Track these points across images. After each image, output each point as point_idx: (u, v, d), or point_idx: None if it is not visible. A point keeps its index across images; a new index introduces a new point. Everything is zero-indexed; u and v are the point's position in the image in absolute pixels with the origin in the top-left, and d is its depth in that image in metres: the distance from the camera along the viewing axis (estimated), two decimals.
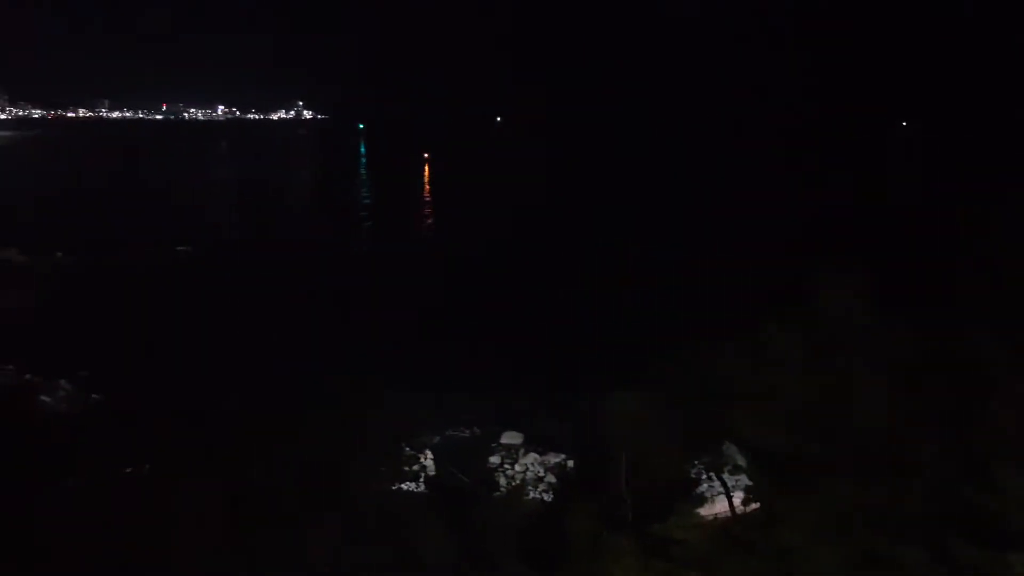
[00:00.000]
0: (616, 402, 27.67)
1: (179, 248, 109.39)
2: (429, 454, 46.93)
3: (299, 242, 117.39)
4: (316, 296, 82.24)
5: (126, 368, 58.58)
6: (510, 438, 49.99)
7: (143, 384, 53.65)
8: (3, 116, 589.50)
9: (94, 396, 49.67)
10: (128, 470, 27.94)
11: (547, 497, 40.88)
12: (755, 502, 28.17)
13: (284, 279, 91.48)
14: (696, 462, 31.50)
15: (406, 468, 40.25)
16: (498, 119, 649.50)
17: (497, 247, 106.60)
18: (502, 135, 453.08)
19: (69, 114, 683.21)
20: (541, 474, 45.39)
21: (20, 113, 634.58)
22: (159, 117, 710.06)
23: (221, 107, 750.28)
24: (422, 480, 41.52)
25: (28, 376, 54.06)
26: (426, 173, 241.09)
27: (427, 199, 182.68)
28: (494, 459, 48.08)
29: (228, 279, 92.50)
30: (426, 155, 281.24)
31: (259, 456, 29.51)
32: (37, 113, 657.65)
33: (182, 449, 28.43)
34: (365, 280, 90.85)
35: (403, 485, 39.02)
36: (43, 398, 43.86)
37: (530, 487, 43.12)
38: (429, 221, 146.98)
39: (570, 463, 43.51)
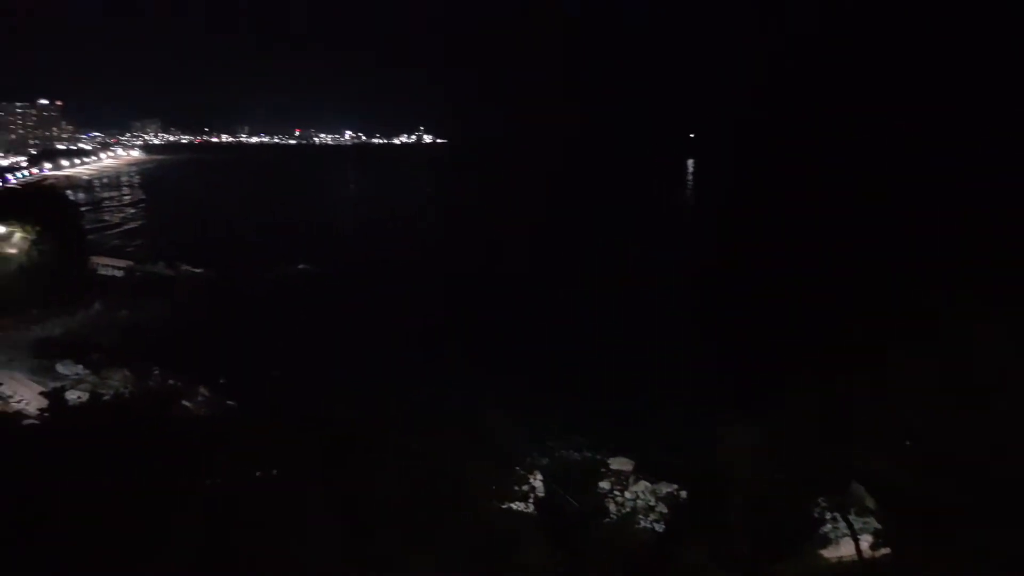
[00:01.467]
0: (733, 434, 26.72)
1: (300, 267, 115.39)
2: (539, 475, 46.84)
3: (421, 263, 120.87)
4: (434, 314, 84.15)
5: (257, 375, 62.29)
6: (620, 464, 49.34)
7: (271, 390, 56.92)
8: (158, 141, 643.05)
9: (229, 402, 52.93)
10: (258, 473, 29.25)
11: (658, 527, 39.90)
12: (885, 547, 26.39)
13: (400, 297, 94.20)
14: (819, 501, 29.91)
15: (516, 488, 40.32)
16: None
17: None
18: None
19: (213, 139, 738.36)
20: (652, 503, 44.46)
21: (171, 139, 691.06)
22: (292, 141, 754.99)
23: (348, 132, 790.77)
24: (531, 501, 41.45)
25: (171, 381, 58.21)
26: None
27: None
28: (604, 484, 47.53)
29: (346, 296, 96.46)
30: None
31: (375, 466, 30.31)
32: (186, 138, 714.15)
33: (307, 455, 29.49)
34: (477, 301, 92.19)
35: (512, 505, 39.16)
36: (185, 403, 47.06)
37: (641, 516, 42.28)
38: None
39: (683, 493, 42.31)
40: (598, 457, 50.36)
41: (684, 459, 45.51)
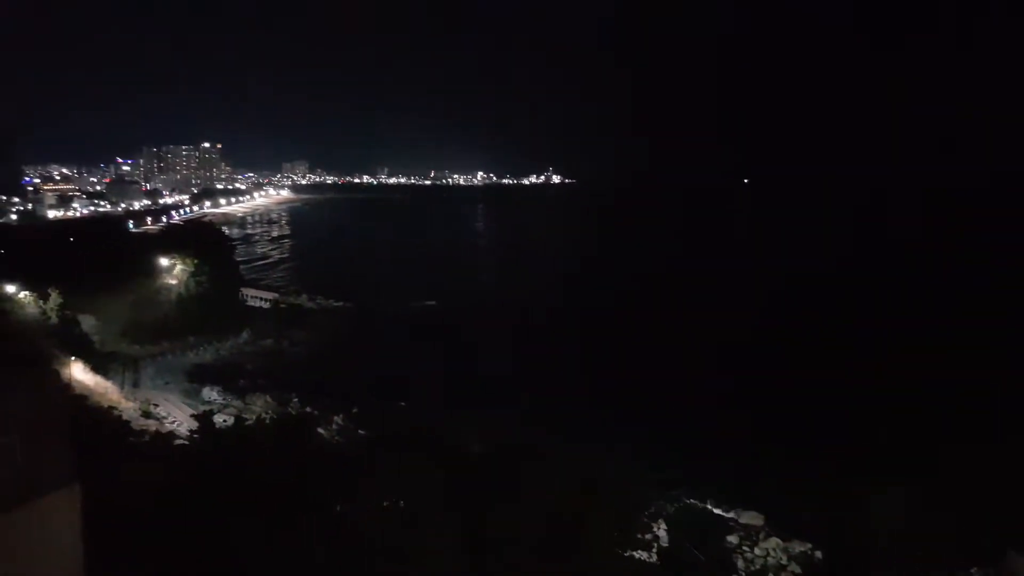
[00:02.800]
0: (880, 498, 24.90)
1: (427, 303, 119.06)
2: (663, 524, 45.49)
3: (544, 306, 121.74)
4: (557, 354, 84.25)
5: (386, 406, 64.55)
6: (750, 518, 47.10)
7: (399, 420, 58.71)
8: (304, 181, 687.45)
9: (360, 432, 54.90)
10: (385, 503, 30.07)
11: None
12: None
13: (522, 336, 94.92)
14: (972, 572, 27.32)
15: (639, 536, 39.23)
16: (745, 181, 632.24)
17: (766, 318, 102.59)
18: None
19: (355, 179, 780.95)
20: (784, 562, 42.07)
21: (316, 179, 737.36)
22: (427, 182, 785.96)
23: (480, 173, 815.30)
24: (655, 550, 40.21)
25: (309, 409, 61.23)
26: None
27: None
28: (732, 538, 45.47)
29: (470, 332, 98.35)
30: None
31: (498, 500, 30.39)
32: (330, 179, 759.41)
33: (431, 485, 30.02)
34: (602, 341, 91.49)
35: (635, 553, 38.08)
36: (320, 430, 49.46)
37: (771, 574, 40.12)
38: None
39: (818, 554, 39.83)
40: (725, 511, 48.30)
41: (819, 517, 42.91)
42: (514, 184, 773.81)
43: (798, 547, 42.46)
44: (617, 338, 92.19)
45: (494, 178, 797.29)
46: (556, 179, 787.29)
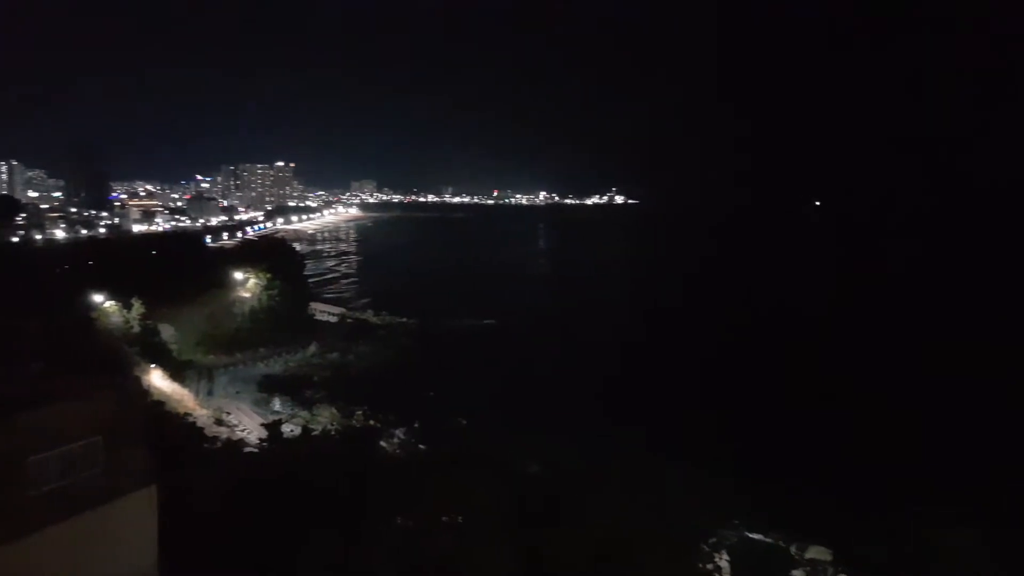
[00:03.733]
0: (956, 536, 23.72)
1: (486, 321, 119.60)
2: (725, 555, 44.26)
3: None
4: (615, 376, 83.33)
5: (446, 421, 64.87)
6: (817, 552, 45.39)
7: (458, 437, 58.98)
8: (372, 200, 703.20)
9: (421, 446, 55.29)
10: (444, 518, 30.22)
11: None
12: None
13: (581, 355, 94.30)
14: None
15: (700, 565, 38.28)
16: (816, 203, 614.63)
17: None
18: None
19: (420, 198, 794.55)
20: None
21: (383, 198, 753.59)
22: (490, 201, 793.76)
23: (542, 193, 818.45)
24: None
25: (372, 422, 62.08)
26: None
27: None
28: (797, 573, 43.94)
29: (528, 350, 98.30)
30: None
31: (554, 522, 30.16)
32: (396, 198, 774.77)
33: (488, 503, 30.02)
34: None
35: None
36: (382, 443, 50.09)
37: None
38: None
39: None
40: (789, 543, 46.71)
41: (890, 554, 41.09)
42: (576, 204, 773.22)
43: None
44: (677, 360, 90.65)
45: (556, 198, 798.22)
46: (619, 199, 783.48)
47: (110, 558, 15.04)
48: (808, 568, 44.00)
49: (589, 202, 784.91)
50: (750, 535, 47.31)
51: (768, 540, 46.93)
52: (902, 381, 78.35)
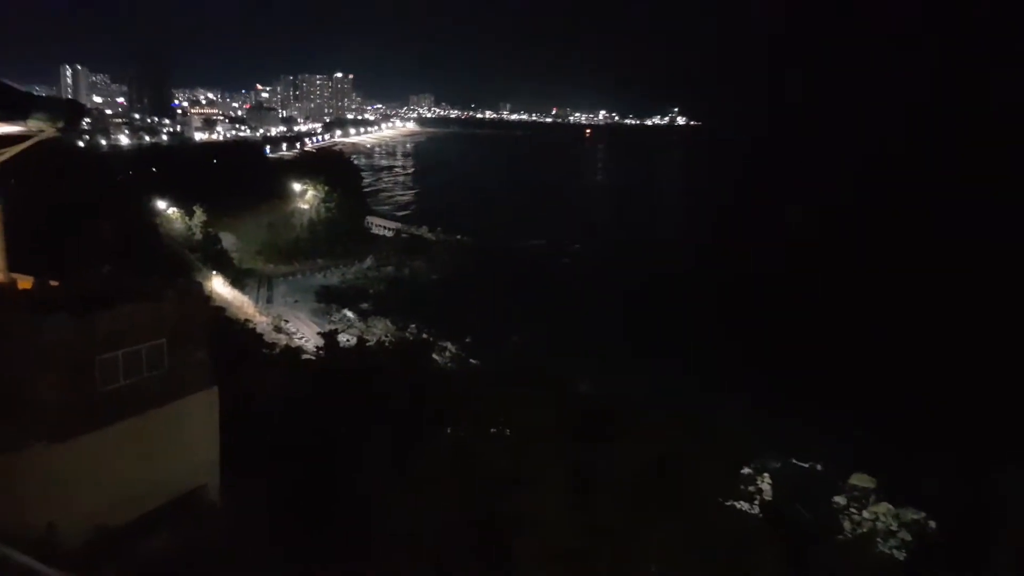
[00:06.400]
0: (1014, 478, 23.16)
1: (542, 241, 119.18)
2: (767, 478, 44.61)
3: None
4: (675, 304, 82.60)
5: (499, 337, 65.89)
6: (860, 480, 45.40)
7: (509, 354, 59.98)
8: (429, 115, 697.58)
9: (472, 360, 56.44)
10: (493, 429, 30.83)
11: (898, 554, 36.24)
12: None
13: (638, 282, 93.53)
14: None
15: (743, 487, 38.65)
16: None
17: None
18: None
19: (478, 115, 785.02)
20: (894, 528, 40.45)
21: (441, 113, 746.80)
22: (548, 119, 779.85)
23: (602, 112, 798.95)
24: (756, 503, 39.57)
25: (425, 335, 63.28)
26: None
27: None
28: (839, 499, 44.06)
29: (584, 274, 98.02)
30: None
31: (609, 440, 30.52)
32: (454, 113, 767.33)
33: (539, 418, 30.38)
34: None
35: (737, 503, 37.56)
36: (434, 356, 51.13)
37: (879, 539, 38.67)
38: None
39: (931, 523, 37.91)
40: (836, 469, 46.74)
41: (938, 488, 40.70)
42: (637, 125, 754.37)
43: (911, 514, 40.68)
44: (733, 290, 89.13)
45: (616, 117, 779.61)
46: (681, 120, 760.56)
47: (174, 455, 15.78)
48: (850, 494, 44.09)
49: (649, 122, 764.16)
50: (793, 462, 47.50)
51: (809, 466, 47.08)
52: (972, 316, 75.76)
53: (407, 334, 66.55)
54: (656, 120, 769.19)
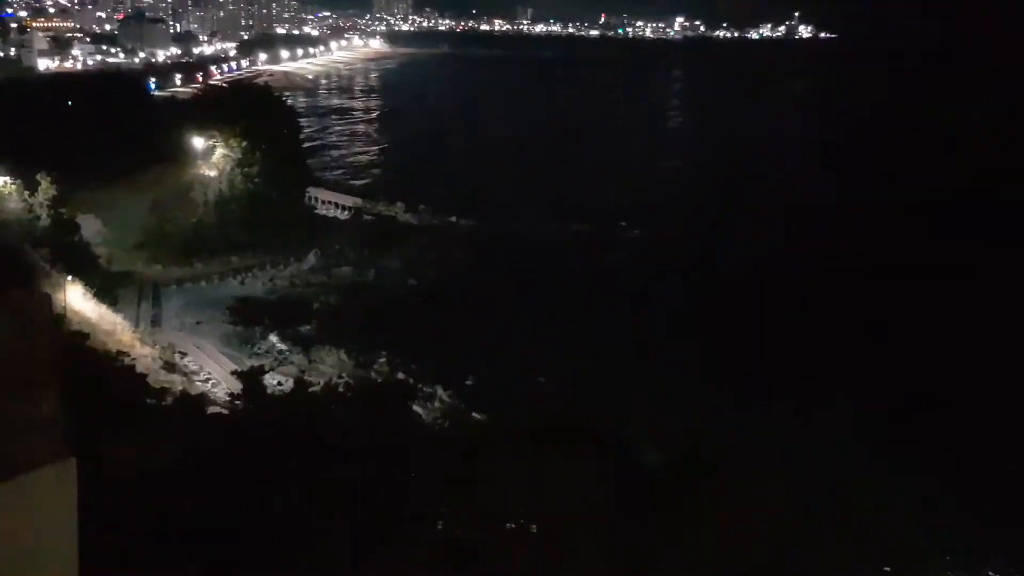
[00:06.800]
0: None
1: (578, 226, 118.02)
2: None
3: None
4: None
5: (515, 379, 66.04)
6: None
7: (533, 403, 60.16)
8: (406, 26, 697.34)
9: (476, 415, 56.12)
10: (510, 525, 30.94)
11: None
12: None
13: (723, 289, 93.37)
14: None
15: None
16: None
17: None
18: None
19: (482, 27, 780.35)
20: None
21: (425, 23, 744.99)
22: (595, 33, 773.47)
23: (678, 20, 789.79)
24: None
25: (400, 375, 63.27)
26: None
27: None
28: None
29: (645, 276, 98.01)
30: None
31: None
32: (445, 24, 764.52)
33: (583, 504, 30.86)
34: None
35: None
36: (416, 408, 50.59)
37: None
38: None
39: None
40: None
41: None
42: (734, 38, 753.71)
43: None
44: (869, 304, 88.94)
45: (702, 29, 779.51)
46: (806, 32, 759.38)
47: (10, 556, 15.73)
48: None
49: (755, 35, 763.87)
50: None
51: None
52: None
53: (372, 373, 66.59)
54: (766, 31, 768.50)
